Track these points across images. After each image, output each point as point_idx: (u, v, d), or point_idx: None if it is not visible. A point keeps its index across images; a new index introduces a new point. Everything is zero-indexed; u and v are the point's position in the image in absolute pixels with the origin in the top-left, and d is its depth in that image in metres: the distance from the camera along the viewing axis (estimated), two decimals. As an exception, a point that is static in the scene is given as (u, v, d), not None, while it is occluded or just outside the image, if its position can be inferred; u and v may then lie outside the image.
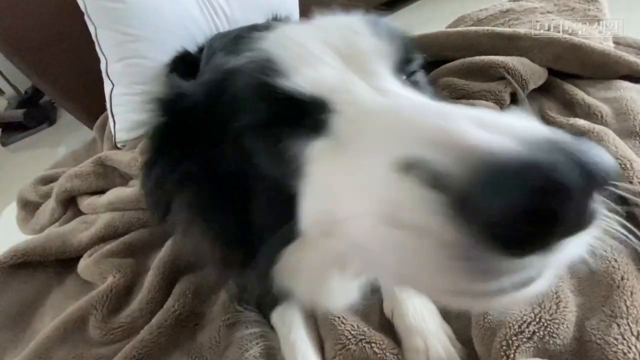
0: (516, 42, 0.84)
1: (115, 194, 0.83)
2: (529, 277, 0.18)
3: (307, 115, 0.29)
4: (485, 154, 0.15)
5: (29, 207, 1.04)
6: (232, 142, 0.34)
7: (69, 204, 0.96)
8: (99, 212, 0.85)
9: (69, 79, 1.38)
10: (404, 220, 0.18)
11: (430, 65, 0.92)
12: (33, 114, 2.27)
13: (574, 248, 0.17)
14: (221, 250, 0.41)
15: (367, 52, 0.32)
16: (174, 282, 0.67)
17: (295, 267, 0.39)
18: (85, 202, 0.90)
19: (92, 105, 1.44)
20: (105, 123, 1.24)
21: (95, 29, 1.10)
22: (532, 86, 0.81)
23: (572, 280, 0.49)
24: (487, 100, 0.81)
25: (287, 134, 0.30)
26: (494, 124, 0.17)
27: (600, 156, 0.15)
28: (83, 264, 0.74)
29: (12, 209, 1.41)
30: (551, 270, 0.19)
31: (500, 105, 0.81)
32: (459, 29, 0.93)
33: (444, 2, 2.38)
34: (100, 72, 1.22)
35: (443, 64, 0.92)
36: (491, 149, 0.15)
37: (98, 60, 1.22)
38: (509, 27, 0.95)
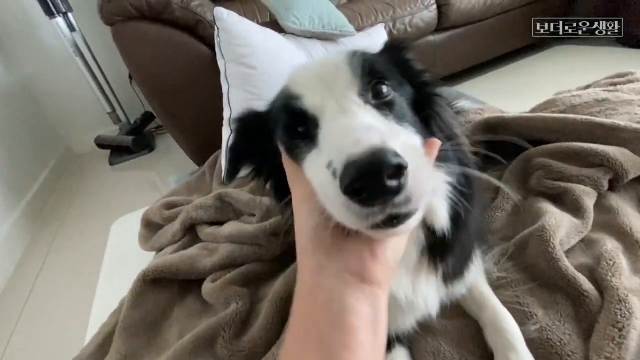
0: (617, 132, 0.88)
1: (237, 228, 0.97)
2: (387, 217, 0.33)
3: (309, 124, 0.45)
4: (348, 160, 0.32)
5: (151, 227, 1.22)
6: (276, 140, 0.53)
7: (188, 230, 1.12)
8: (219, 242, 0.99)
9: (189, 120, 1.64)
10: (327, 193, 0.36)
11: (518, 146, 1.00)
12: (139, 141, 2.66)
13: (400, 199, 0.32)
14: None
15: (341, 82, 0.46)
16: (288, 312, 0.76)
17: None
18: (205, 231, 1.05)
19: (200, 144, 1.70)
20: (216, 161, 1.45)
21: (229, 87, 1.34)
22: (632, 176, 0.84)
23: None
24: (585, 185, 0.85)
25: (299, 139, 0.47)
26: (359, 140, 0.33)
27: (390, 161, 0.30)
28: (209, 287, 0.86)
29: (121, 223, 1.65)
30: (412, 218, 0.34)
31: (599, 190, 0.85)
32: (557, 115, 0.99)
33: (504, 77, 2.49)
34: (211, 118, 1.47)
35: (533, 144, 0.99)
36: (351, 157, 0.32)
37: (214, 108, 1.47)
38: (606, 116, 0.99)
